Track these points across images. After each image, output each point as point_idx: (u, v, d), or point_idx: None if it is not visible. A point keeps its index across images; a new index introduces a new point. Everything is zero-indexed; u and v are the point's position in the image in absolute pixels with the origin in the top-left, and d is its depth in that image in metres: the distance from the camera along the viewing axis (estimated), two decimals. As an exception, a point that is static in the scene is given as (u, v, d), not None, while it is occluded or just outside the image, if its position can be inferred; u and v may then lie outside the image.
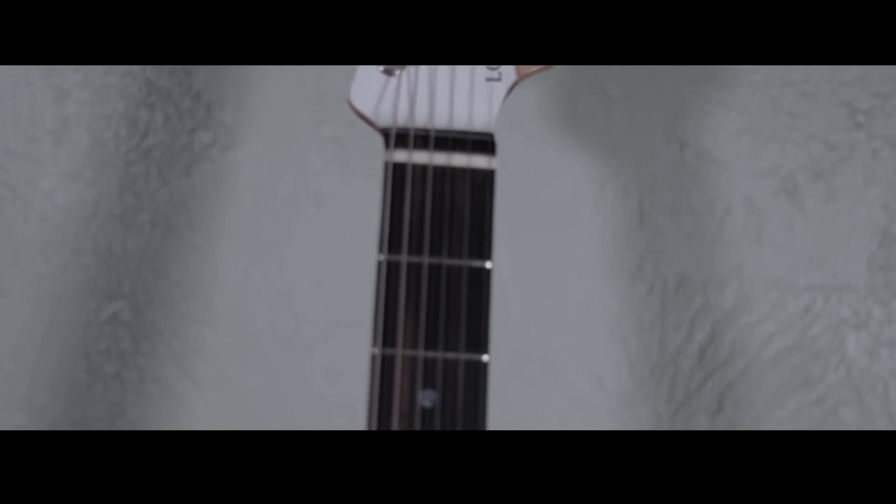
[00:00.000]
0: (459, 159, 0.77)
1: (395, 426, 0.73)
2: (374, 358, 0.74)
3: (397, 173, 0.77)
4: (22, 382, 1.05)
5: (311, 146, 1.08)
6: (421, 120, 0.79)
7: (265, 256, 1.06)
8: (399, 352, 0.74)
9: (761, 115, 1.08)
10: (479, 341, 0.75)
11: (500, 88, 0.81)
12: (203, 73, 1.09)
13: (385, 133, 0.78)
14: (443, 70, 0.81)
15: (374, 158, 1.02)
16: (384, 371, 0.74)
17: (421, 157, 0.77)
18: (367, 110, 0.80)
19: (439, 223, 0.75)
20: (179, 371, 1.05)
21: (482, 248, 0.75)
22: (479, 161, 0.77)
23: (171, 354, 1.06)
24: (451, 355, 0.74)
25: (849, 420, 1.07)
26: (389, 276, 0.75)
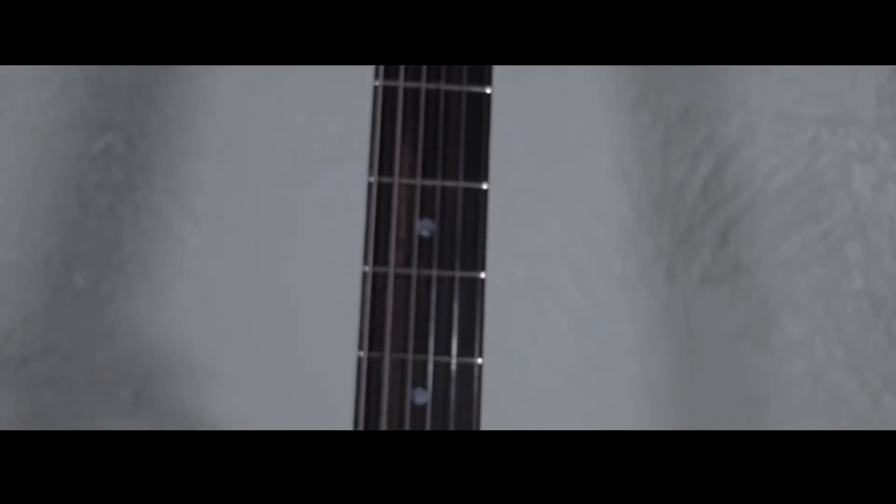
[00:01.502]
0: (458, -19, 0.75)
1: (392, 256, 0.72)
2: (370, 187, 0.72)
3: None
4: (14, 217, 1.04)
5: (305, -27, 1.05)
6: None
7: (261, 87, 1.04)
8: (396, 181, 0.72)
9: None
10: (478, 169, 0.73)
11: None
12: None
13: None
14: None
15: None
16: (381, 201, 0.72)
17: (418, -22, 0.75)
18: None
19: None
20: (175, 205, 1.04)
21: (482, 73, 0.73)
22: (478, -18, 0.75)
23: (166, 188, 1.04)
24: (449, 183, 0.72)
25: (854, 256, 1.06)
26: (386, 103, 0.72)
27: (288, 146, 1.04)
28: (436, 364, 0.72)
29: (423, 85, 0.72)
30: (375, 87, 0.73)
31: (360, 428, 0.71)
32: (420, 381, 0.71)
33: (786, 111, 1.05)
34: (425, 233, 0.72)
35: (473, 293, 0.72)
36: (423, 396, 0.71)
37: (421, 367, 0.71)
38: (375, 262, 0.72)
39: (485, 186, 0.72)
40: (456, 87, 0.73)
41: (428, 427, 0.71)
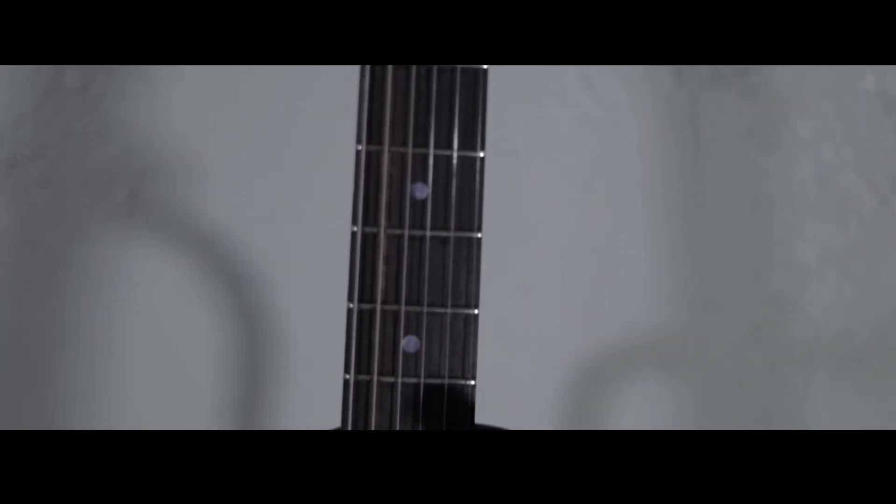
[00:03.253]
0: None
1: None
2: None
3: None
4: None
5: None
6: None
7: None
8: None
9: None
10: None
11: None
12: None
13: None
14: None
15: None
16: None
17: None
18: None
19: None
20: (165, 0, 1.01)
21: None
22: None
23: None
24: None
25: None
26: None
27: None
28: (436, 158, 0.70)
29: None
30: None
31: (359, 224, 0.69)
32: (420, 176, 0.70)
33: None
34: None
35: (475, 85, 0.70)
36: (423, 191, 0.70)
37: (421, 161, 0.70)
38: (374, 53, 0.69)
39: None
40: None
41: (428, 222, 0.69)
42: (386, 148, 0.69)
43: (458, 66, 0.70)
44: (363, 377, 0.70)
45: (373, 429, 0.70)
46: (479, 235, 0.70)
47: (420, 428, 0.70)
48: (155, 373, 1.07)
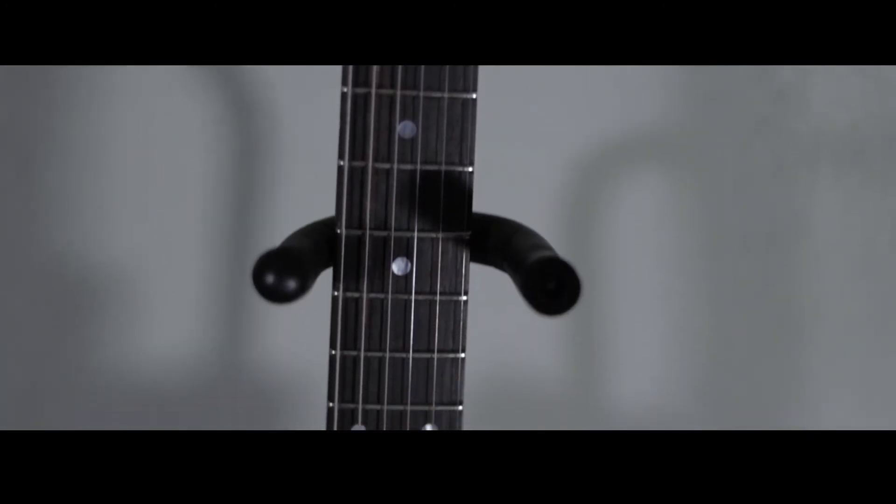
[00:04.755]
0: None
1: None
2: None
3: None
4: None
5: None
6: None
7: None
8: None
9: None
10: None
11: None
12: None
13: None
14: None
15: None
16: None
17: None
18: None
19: None
20: None
21: None
22: None
23: None
24: None
25: None
26: None
27: None
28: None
29: None
30: None
31: None
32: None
33: None
34: None
35: None
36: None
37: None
38: None
39: None
40: None
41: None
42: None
43: None
44: (358, 163, 0.68)
45: (368, 216, 0.68)
46: (479, 17, 0.68)
47: (416, 215, 0.68)
48: (151, 165, 1.05)
